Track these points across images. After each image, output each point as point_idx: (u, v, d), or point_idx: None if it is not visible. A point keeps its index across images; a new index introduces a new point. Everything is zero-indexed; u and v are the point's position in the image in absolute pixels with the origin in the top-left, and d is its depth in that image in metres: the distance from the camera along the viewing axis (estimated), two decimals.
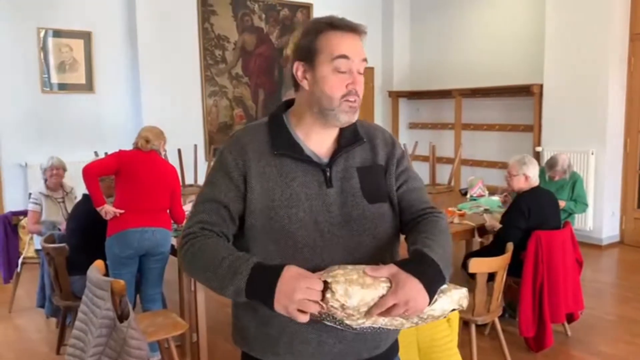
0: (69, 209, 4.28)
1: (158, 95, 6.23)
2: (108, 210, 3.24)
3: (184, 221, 3.49)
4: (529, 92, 6.42)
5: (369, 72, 7.29)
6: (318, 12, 7.42)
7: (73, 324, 2.58)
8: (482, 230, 3.84)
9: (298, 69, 1.34)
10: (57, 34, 5.86)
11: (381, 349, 1.38)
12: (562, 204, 4.26)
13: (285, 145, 1.34)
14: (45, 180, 4.29)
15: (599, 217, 5.85)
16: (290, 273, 1.15)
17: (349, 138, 1.38)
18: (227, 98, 6.86)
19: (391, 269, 1.19)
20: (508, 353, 3.20)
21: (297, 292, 1.12)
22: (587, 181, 5.53)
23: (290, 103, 1.44)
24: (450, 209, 4.09)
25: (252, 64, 7.02)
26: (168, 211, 3.45)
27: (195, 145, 6.34)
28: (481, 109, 7.26)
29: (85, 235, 3.44)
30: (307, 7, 7.40)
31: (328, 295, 1.13)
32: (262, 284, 1.17)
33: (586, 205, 4.68)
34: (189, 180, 6.16)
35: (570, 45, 5.90)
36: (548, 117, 6.21)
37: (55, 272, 3.36)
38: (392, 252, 1.39)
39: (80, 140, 5.97)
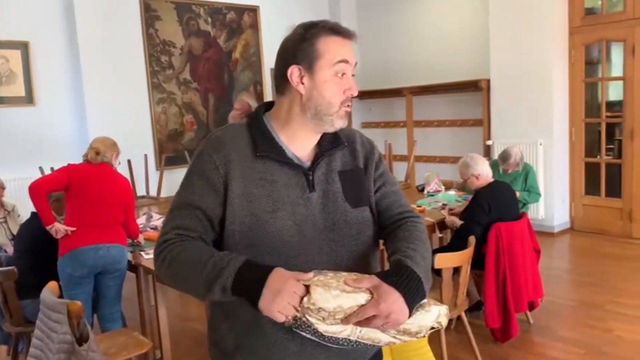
0: (13, 229, 4.06)
1: (103, 105, 5.99)
2: (58, 228, 3.08)
3: (139, 236, 3.41)
4: (476, 88, 6.55)
5: None
6: (265, 15, 7.35)
7: (27, 350, 2.43)
8: (441, 225, 3.88)
9: (294, 72, 1.29)
10: None
11: (364, 359, 1.35)
12: (516, 194, 4.35)
13: (268, 147, 1.30)
14: None
15: (550, 206, 6.03)
16: (280, 274, 1.14)
17: (330, 142, 1.37)
18: (176, 104, 6.68)
19: (373, 280, 1.17)
20: (476, 345, 3.23)
21: (283, 294, 1.11)
22: (537, 171, 5.68)
23: (269, 105, 1.39)
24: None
25: (201, 68, 6.88)
26: (122, 226, 3.31)
27: (146, 155, 6.16)
28: (431, 105, 7.37)
29: (35, 256, 3.26)
30: (254, 10, 7.32)
31: (305, 298, 1.12)
32: (251, 281, 1.14)
33: (539, 195, 4.81)
34: (141, 191, 5.98)
35: (513, 40, 6.06)
36: (496, 111, 6.36)
37: (4, 297, 3.16)
38: (374, 256, 1.36)
39: (22, 156, 5.67)
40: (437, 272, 3.07)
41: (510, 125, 6.21)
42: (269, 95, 7.52)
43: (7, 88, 5.63)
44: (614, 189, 5.89)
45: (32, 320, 2.93)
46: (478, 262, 3.36)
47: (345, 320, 1.13)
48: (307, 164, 1.33)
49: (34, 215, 3.27)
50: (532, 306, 3.72)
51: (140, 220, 3.93)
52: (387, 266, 1.30)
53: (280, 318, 1.12)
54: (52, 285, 2.38)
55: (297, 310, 1.12)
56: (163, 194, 5.97)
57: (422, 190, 5.01)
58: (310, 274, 1.15)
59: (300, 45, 1.29)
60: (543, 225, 5.98)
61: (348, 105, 1.31)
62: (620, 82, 5.77)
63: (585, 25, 5.86)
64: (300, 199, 1.28)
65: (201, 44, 6.86)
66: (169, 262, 1.24)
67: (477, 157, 3.74)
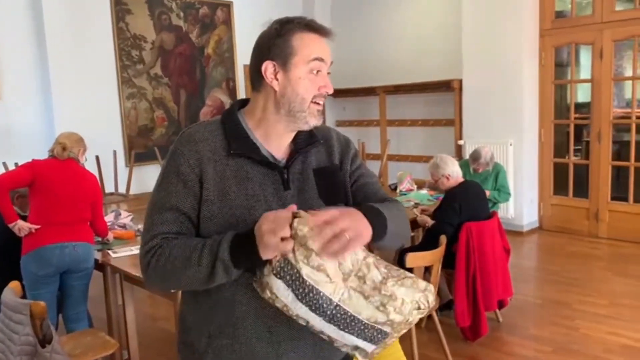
0: None
1: (71, 100, 5.84)
2: (22, 226, 2.98)
3: (108, 234, 3.33)
4: (449, 88, 6.61)
5: None
6: (238, 10, 7.28)
7: None
8: (413, 223, 3.90)
9: (268, 68, 1.27)
10: None
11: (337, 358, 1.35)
12: (486, 193, 4.40)
13: (242, 145, 1.28)
14: None
15: (519, 205, 6.12)
16: (262, 217, 1.14)
17: (305, 139, 1.36)
18: (146, 100, 6.57)
19: (337, 208, 1.18)
20: (446, 344, 3.25)
21: (272, 223, 1.11)
22: (507, 171, 5.76)
23: (244, 102, 1.37)
24: None
25: (172, 63, 6.77)
26: (89, 224, 3.23)
27: (115, 151, 6.04)
28: (405, 105, 7.41)
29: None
30: (227, 5, 7.24)
31: (295, 222, 1.12)
32: (243, 243, 1.15)
33: (509, 194, 4.87)
34: (109, 188, 5.87)
35: (485, 42, 6.13)
36: (468, 111, 6.42)
37: None
38: None
39: None
40: (409, 271, 3.07)
41: (482, 125, 6.28)
42: (241, 92, 7.46)
43: None
44: (581, 190, 6.01)
45: None
46: (449, 261, 3.38)
47: (320, 241, 1.10)
48: (283, 161, 1.32)
49: None
50: (501, 305, 3.76)
51: (109, 218, 3.84)
52: None
53: (285, 247, 1.10)
54: (13, 285, 2.30)
55: (290, 231, 1.10)
56: (132, 191, 5.87)
57: (395, 189, 5.03)
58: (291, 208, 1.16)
59: (275, 41, 1.27)
60: (512, 224, 6.07)
61: (320, 104, 1.29)
62: (588, 85, 5.89)
63: (556, 28, 5.96)
64: (274, 196, 1.27)
65: (173, 38, 6.76)
66: (163, 266, 1.21)
67: (446, 157, 3.77)
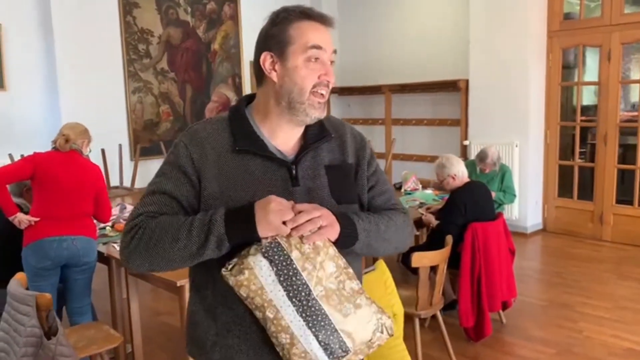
0: None
1: (77, 92, 5.84)
2: (21, 219, 2.97)
3: (110, 218, 3.29)
4: (455, 88, 6.59)
5: None
6: (245, 6, 7.27)
7: None
8: (417, 223, 3.89)
9: (266, 59, 1.25)
10: None
11: None
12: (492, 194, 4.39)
13: (247, 141, 1.26)
14: None
15: (524, 206, 6.10)
16: (261, 199, 1.16)
17: (315, 134, 1.31)
18: (152, 94, 6.56)
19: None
20: (450, 344, 3.24)
21: (273, 205, 1.13)
22: (512, 172, 5.75)
23: (251, 97, 1.34)
24: None
25: (179, 58, 6.76)
26: (93, 217, 3.22)
27: (120, 145, 6.04)
28: (410, 104, 7.39)
29: (1, 247, 3.15)
30: (235, 1, 7.22)
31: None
32: (241, 219, 1.14)
33: (514, 195, 4.86)
34: (115, 181, 5.87)
35: (493, 42, 6.11)
36: (474, 111, 6.40)
37: None
38: (358, 255, 1.33)
39: None
40: (414, 271, 3.08)
41: (488, 126, 6.26)
42: (247, 88, 7.45)
43: None
44: (586, 192, 5.99)
45: None
46: (453, 261, 3.37)
47: (295, 222, 1.14)
48: (291, 157, 1.28)
49: None
50: (505, 306, 3.75)
51: (114, 211, 3.84)
52: (369, 264, 1.28)
53: (284, 231, 1.13)
54: (19, 276, 2.30)
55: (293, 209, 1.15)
56: (137, 185, 5.87)
57: (400, 188, 5.02)
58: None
59: (272, 31, 1.25)
60: (516, 225, 6.05)
61: (322, 95, 1.25)
62: (592, 87, 5.86)
63: (563, 29, 5.93)
64: (282, 193, 1.21)
65: (180, 33, 6.75)
66: (147, 239, 1.18)
67: (452, 157, 3.76)
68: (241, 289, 1.14)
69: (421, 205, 4.24)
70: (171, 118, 6.75)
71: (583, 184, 6.04)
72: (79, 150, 3.18)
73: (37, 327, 2.06)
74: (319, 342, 1.14)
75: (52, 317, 2.14)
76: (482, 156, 4.75)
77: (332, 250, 1.18)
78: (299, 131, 1.31)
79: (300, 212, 1.15)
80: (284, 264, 1.13)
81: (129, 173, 5.98)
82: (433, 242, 3.50)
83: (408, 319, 2.96)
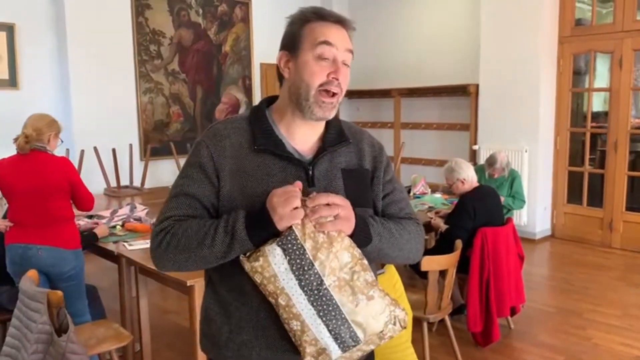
0: None
1: (89, 92, 5.88)
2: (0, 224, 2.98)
3: (93, 205, 3.19)
4: (465, 92, 6.58)
5: None
6: (256, 9, 7.30)
7: (2, 339, 2.38)
8: (426, 227, 3.89)
9: (282, 58, 1.30)
10: None
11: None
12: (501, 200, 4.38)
13: (266, 140, 1.28)
14: None
15: (533, 212, 6.08)
16: (271, 194, 1.17)
17: (334, 137, 1.34)
18: (163, 95, 6.60)
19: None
20: (457, 348, 3.24)
21: (283, 197, 1.15)
22: (521, 177, 5.73)
23: (273, 99, 1.37)
24: None
25: (190, 60, 6.80)
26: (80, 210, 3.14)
27: (131, 145, 6.08)
28: (419, 108, 7.39)
29: None
30: (246, 3, 7.26)
31: (307, 202, 1.17)
32: (258, 219, 1.16)
33: (524, 201, 4.84)
34: (125, 181, 5.90)
35: (504, 47, 6.10)
36: (484, 116, 6.39)
37: None
38: (372, 261, 1.33)
39: (2, 140, 5.54)
40: (423, 275, 3.07)
41: (497, 131, 6.25)
42: (257, 90, 7.47)
43: None
44: (596, 199, 5.96)
45: (9, 308, 2.86)
46: (462, 266, 3.37)
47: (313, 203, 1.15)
48: (308, 158, 1.30)
49: None
50: (513, 311, 3.74)
51: (124, 211, 3.86)
52: (379, 267, 1.28)
53: (298, 216, 1.14)
54: (31, 274, 2.32)
55: (302, 194, 1.16)
56: (147, 185, 5.90)
57: (409, 192, 5.02)
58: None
59: (286, 31, 1.30)
60: (525, 231, 6.03)
61: (330, 94, 1.25)
62: (603, 94, 5.83)
63: (575, 35, 5.92)
64: None
65: (191, 35, 6.79)
66: (176, 243, 1.21)
67: (461, 161, 3.75)
68: (255, 275, 1.17)
69: (430, 209, 4.24)
70: (181, 119, 6.78)
71: (593, 190, 6.01)
72: (44, 147, 2.96)
73: (47, 324, 2.08)
74: (330, 332, 1.16)
75: (63, 314, 2.16)
76: (491, 161, 4.73)
77: (348, 240, 1.19)
78: (316, 132, 1.33)
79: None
80: (297, 253, 1.14)
81: (139, 173, 6.01)
82: (442, 247, 3.49)
83: (416, 323, 2.96)
